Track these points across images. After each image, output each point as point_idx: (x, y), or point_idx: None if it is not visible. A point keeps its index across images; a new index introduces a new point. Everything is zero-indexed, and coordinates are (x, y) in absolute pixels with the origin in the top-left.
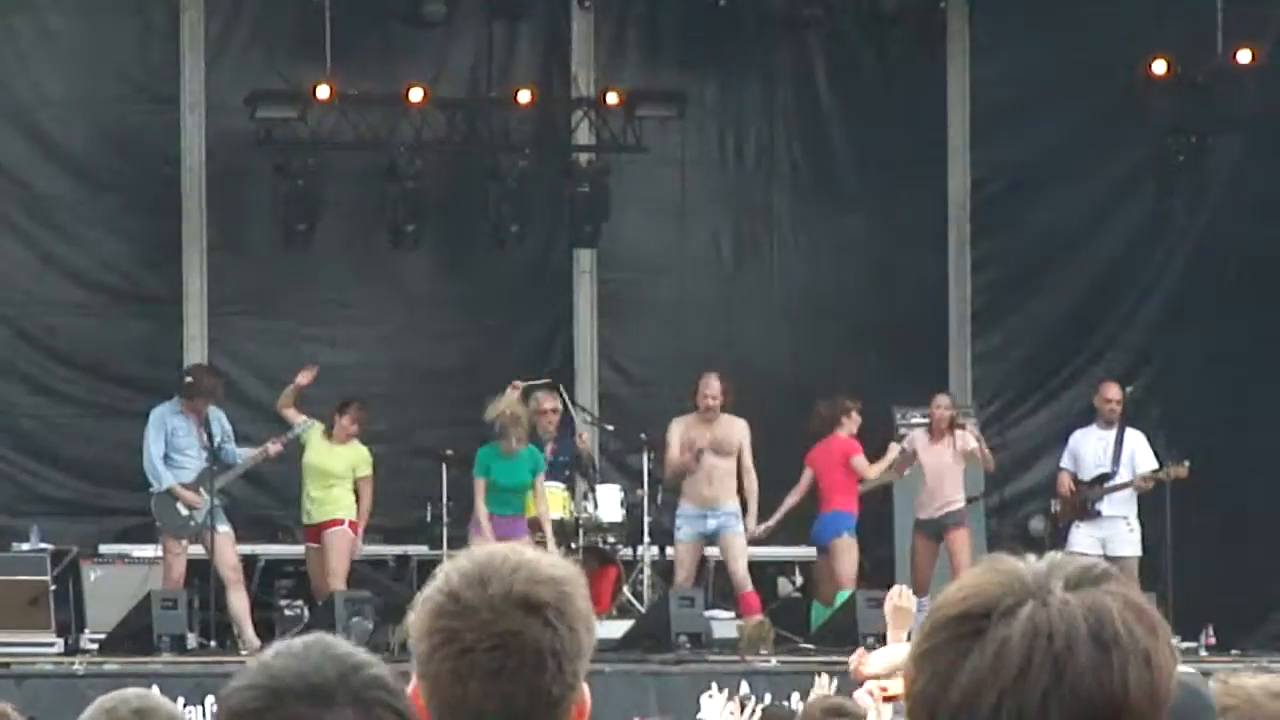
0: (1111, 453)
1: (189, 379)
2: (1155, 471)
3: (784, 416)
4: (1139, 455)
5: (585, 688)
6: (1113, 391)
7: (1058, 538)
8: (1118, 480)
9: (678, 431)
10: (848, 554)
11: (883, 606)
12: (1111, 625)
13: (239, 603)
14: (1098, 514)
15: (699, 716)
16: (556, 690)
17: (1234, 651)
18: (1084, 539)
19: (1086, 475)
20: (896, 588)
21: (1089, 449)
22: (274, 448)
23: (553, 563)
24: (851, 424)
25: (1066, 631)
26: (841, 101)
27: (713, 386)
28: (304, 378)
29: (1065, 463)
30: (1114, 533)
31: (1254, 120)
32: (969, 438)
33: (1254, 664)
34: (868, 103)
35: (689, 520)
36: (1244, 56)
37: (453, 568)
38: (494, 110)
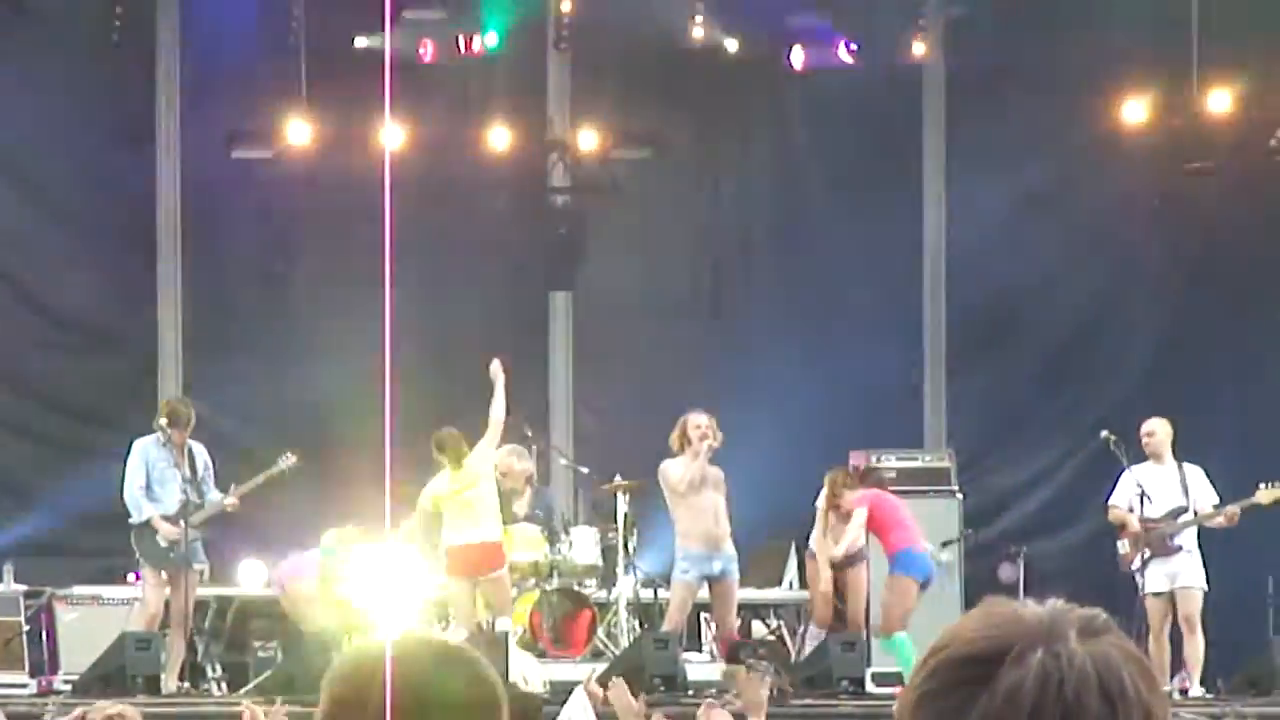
0: (1180, 487)
1: (170, 409)
2: (1252, 498)
3: (757, 461)
4: (1201, 488)
5: None
6: (1147, 425)
7: (1131, 580)
8: (1189, 515)
9: (679, 472)
10: (889, 592)
11: (854, 650)
12: (1118, 678)
13: (178, 645)
14: (1179, 549)
15: None
16: None
17: (1208, 696)
18: (1158, 577)
19: (1156, 512)
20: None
21: (1155, 485)
22: (230, 500)
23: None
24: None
25: (1077, 681)
26: (818, 144)
27: (706, 420)
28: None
29: (1119, 501)
30: (1183, 566)
31: (1230, 162)
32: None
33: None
34: (844, 146)
35: (695, 562)
36: (1220, 98)
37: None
38: (470, 152)
